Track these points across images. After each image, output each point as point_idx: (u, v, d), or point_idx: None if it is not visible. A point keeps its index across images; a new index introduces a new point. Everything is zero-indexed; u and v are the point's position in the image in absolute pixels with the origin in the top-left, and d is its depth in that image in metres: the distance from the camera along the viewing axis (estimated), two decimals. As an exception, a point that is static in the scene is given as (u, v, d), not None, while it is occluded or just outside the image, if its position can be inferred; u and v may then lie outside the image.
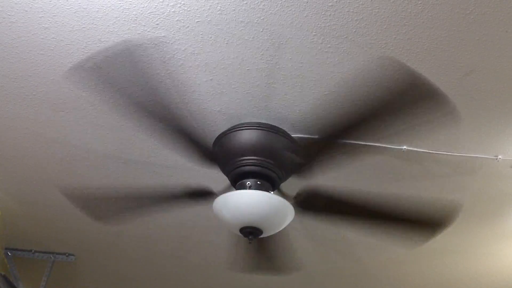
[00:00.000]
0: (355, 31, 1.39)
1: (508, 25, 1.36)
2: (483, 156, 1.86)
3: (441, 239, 2.51)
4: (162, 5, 1.35)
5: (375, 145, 1.82)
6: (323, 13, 1.35)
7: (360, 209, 1.93)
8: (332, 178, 2.02)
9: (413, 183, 2.05)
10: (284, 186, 1.91)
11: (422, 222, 1.99)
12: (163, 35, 1.44)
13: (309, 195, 1.88)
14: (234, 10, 1.36)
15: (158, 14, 1.38)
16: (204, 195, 1.95)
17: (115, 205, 2.06)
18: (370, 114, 1.64)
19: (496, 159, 1.87)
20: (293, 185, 1.91)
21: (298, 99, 1.65)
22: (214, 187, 1.94)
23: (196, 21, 1.40)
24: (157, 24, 1.41)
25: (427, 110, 1.63)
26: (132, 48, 1.49)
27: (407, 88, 1.55)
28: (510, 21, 1.35)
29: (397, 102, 1.58)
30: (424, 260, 2.79)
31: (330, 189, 1.91)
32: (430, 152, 1.84)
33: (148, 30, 1.43)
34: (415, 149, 1.83)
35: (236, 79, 1.59)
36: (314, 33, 1.41)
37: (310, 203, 1.91)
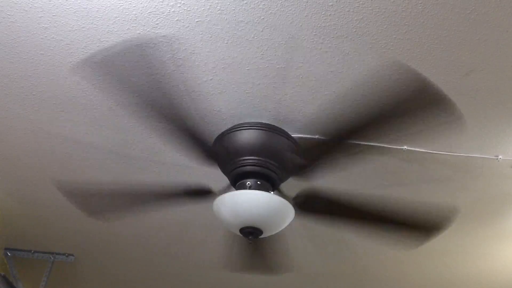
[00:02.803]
0: (355, 31, 1.39)
1: (508, 25, 1.36)
2: (483, 156, 1.86)
3: (441, 239, 2.51)
4: (162, 5, 1.35)
5: (375, 145, 1.82)
6: (323, 13, 1.35)
7: (358, 212, 1.94)
8: (332, 177, 2.02)
9: (413, 183, 2.05)
10: (283, 187, 1.91)
11: (418, 226, 2.01)
12: (163, 35, 1.44)
13: (308, 197, 1.88)
14: (234, 10, 1.36)
15: (158, 14, 1.38)
16: (203, 194, 1.95)
17: (113, 201, 2.05)
18: (374, 118, 1.64)
19: (496, 159, 1.87)
20: (292, 186, 1.91)
21: (298, 99, 1.65)
22: (214, 186, 1.94)
23: (196, 21, 1.39)
24: (157, 24, 1.41)
25: (432, 115, 1.63)
26: (133, 47, 1.49)
27: (413, 92, 1.56)
28: (510, 21, 1.35)
29: (402, 106, 1.58)
30: (424, 260, 2.79)
31: (329, 192, 1.91)
32: (430, 152, 1.84)
33: (148, 30, 1.43)
34: (415, 149, 1.83)
35: (236, 79, 1.59)
36: (314, 33, 1.41)
37: (310, 205, 1.91)
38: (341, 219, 2.03)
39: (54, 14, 1.40)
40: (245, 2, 1.33)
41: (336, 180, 2.03)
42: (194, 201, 2.04)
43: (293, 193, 1.89)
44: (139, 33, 1.44)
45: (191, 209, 2.38)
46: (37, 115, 1.81)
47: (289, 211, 1.67)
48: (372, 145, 1.82)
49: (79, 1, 1.36)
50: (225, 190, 1.87)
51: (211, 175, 2.04)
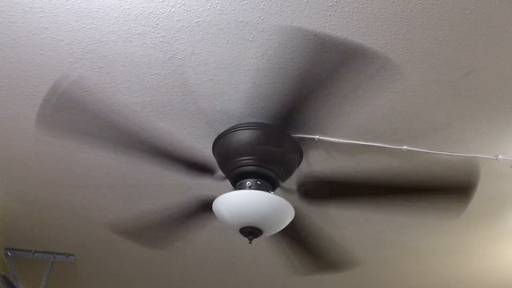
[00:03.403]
0: (355, 31, 1.39)
1: (508, 25, 1.36)
2: (483, 156, 1.86)
3: (441, 239, 2.51)
4: (162, 5, 1.35)
5: (375, 145, 1.82)
6: (323, 13, 1.35)
7: (378, 187, 1.83)
8: (331, 177, 2.02)
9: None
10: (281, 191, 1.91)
11: (453, 187, 1.86)
12: (163, 35, 1.44)
13: (312, 183, 1.86)
14: (234, 10, 1.36)
15: (158, 14, 1.38)
16: (203, 170, 1.93)
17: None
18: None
19: (496, 159, 1.87)
20: (293, 179, 1.90)
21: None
22: (218, 194, 1.95)
23: (196, 21, 1.40)
24: (157, 24, 1.41)
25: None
26: (132, 48, 1.49)
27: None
28: (510, 21, 1.35)
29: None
30: (424, 260, 2.80)
31: (333, 174, 1.88)
32: (430, 152, 1.84)
33: (148, 30, 1.43)
34: (415, 149, 1.83)
35: (236, 79, 1.59)
36: (314, 33, 1.41)
37: (315, 191, 1.88)
38: (354, 199, 1.90)
39: (54, 14, 1.40)
40: (245, 2, 1.33)
41: (336, 178, 2.03)
42: (194, 175, 2.02)
43: (295, 185, 1.88)
44: (139, 33, 1.44)
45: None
46: (37, 115, 1.81)
47: (289, 211, 1.67)
48: (373, 145, 1.82)
49: (79, 1, 1.36)
50: (224, 185, 1.88)
51: (214, 185, 2.03)
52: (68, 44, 1.50)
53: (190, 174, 2.02)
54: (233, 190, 1.70)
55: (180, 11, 1.37)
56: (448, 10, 1.32)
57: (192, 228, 2.38)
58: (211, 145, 1.83)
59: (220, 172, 1.91)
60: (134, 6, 1.36)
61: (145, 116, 1.77)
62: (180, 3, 1.35)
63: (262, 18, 1.37)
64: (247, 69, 1.55)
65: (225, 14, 1.37)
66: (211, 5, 1.35)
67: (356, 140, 1.81)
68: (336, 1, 1.31)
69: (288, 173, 1.82)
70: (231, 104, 1.70)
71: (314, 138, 1.80)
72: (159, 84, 1.62)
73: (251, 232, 1.65)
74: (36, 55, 1.55)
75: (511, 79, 1.54)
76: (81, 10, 1.38)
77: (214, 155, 1.85)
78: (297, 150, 1.78)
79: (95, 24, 1.42)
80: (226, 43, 1.46)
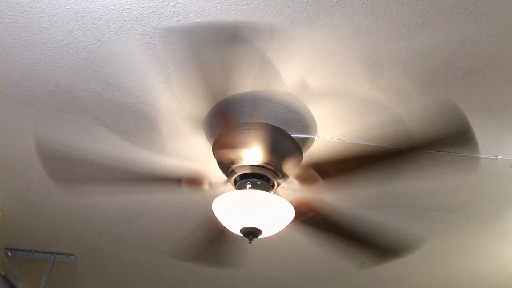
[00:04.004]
0: (355, 31, 1.39)
1: (508, 25, 1.36)
2: (483, 156, 1.86)
3: (441, 239, 2.51)
4: (162, 5, 1.35)
5: (375, 145, 1.82)
6: (323, 13, 1.35)
7: (332, 226, 2.00)
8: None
9: (413, 183, 2.05)
10: (281, 191, 1.90)
11: (379, 248, 2.15)
12: (163, 35, 1.44)
13: (298, 207, 1.89)
14: (234, 10, 1.36)
15: (158, 14, 1.38)
16: (195, 183, 1.90)
17: (95, 174, 1.95)
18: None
19: (496, 159, 1.87)
20: (288, 190, 1.92)
21: (298, 99, 1.65)
22: (210, 178, 1.91)
23: (196, 21, 1.40)
24: (157, 24, 1.41)
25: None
26: (132, 48, 1.49)
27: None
28: (510, 21, 1.35)
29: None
30: (424, 260, 2.80)
31: (317, 204, 1.93)
32: (430, 152, 1.84)
33: (148, 30, 1.43)
34: (415, 149, 1.83)
35: (236, 79, 1.59)
36: (314, 33, 1.41)
37: (298, 214, 1.91)
38: (316, 230, 2.08)
39: (54, 14, 1.40)
40: (245, 2, 1.33)
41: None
42: (185, 189, 1.98)
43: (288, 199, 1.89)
44: (139, 33, 1.44)
45: (191, 210, 2.38)
46: (37, 115, 1.81)
47: (289, 211, 1.67)
48: (372, 145, 1.82)
49: (79, 1, 1.36)
50: (225, 190, 1.87)
51: (208, 166, 2.01)
52: (68, 44, 1.50)
53: (185, 189, 2.00)
54: (233, 190, 1.70)
55: (180, 11, 1.37)
56: (448, 10, 1.32)
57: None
58: (211, 145, 1.83)
59: (214, 182, 1.90)
60: (134, 6, 1.36)
61: (145, 116, 1.77)
62: (180, 3, 1.35)
63: (262, 18, 1.37)
64: (248, 69, 1.55)
65: (225, 14, 1.37)
66: (211, 5, 1.35)
67: (356, 140, 1.81)
68: (336, 1, 1.31)
69: (288, 173, 1.82)
70: (231, 104, 1.69)
71: (314, 138, 1.80)
72: (159, 84, 1.62)
73: (251, 232, 1.65)
74: (36, 55, 1.55)
75: (511, 79, 1.54)
76: (81, 10, 1.38)
77: (214, 156, 1.85)
78: (297, 150, 1.78)
79: (95, 24, 1.42)
80: (226, 43, 1.46)
